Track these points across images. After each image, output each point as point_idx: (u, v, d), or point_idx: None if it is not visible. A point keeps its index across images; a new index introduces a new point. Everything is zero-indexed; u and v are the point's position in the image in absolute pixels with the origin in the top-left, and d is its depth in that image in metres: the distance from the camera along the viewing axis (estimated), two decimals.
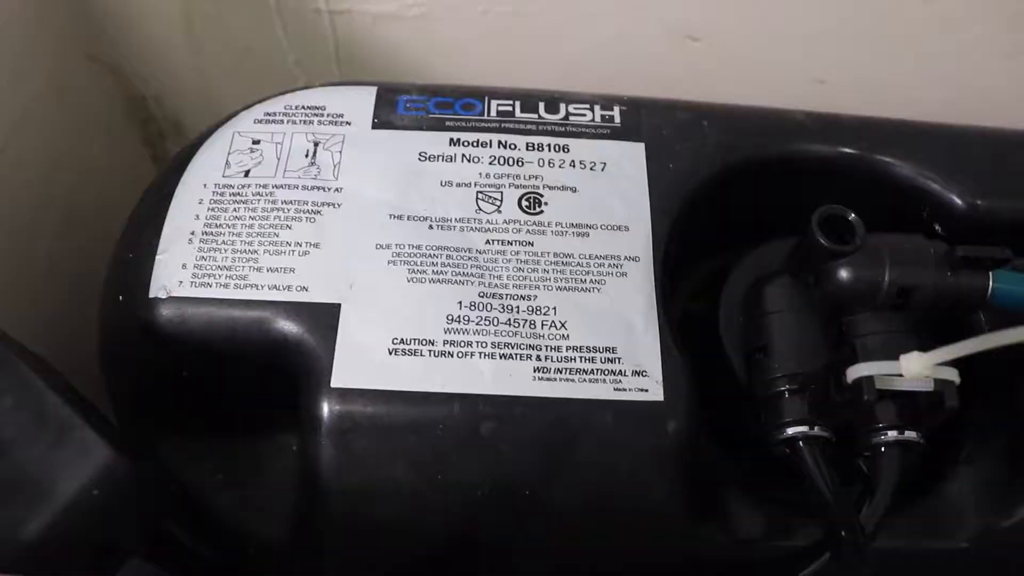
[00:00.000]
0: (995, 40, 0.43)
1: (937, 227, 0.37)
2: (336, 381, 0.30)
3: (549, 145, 0.34)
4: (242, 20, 0.41)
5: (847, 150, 0.37)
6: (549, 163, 0.34)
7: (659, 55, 0.43)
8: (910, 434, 0.33)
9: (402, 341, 0.30)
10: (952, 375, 0.31)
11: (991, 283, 0.34)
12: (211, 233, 0.32)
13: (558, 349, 0.30)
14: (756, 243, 0.37)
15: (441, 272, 0.31)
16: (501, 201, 0.33)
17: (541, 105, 0.36)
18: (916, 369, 0.30)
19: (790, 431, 0.32)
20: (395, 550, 0.32)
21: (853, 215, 0.34)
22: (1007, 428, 0.34)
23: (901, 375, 0.30)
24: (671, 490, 0.31)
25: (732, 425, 0.35)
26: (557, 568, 0.32)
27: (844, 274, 0.33)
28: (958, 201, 0.36)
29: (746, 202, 0.37)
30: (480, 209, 0.33)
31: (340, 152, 0.34)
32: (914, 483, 0.35)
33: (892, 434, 0.32)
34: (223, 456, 0.34)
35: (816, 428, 0.32)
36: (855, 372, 0.31)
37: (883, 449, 0.33)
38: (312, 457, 0.30)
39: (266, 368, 0.31)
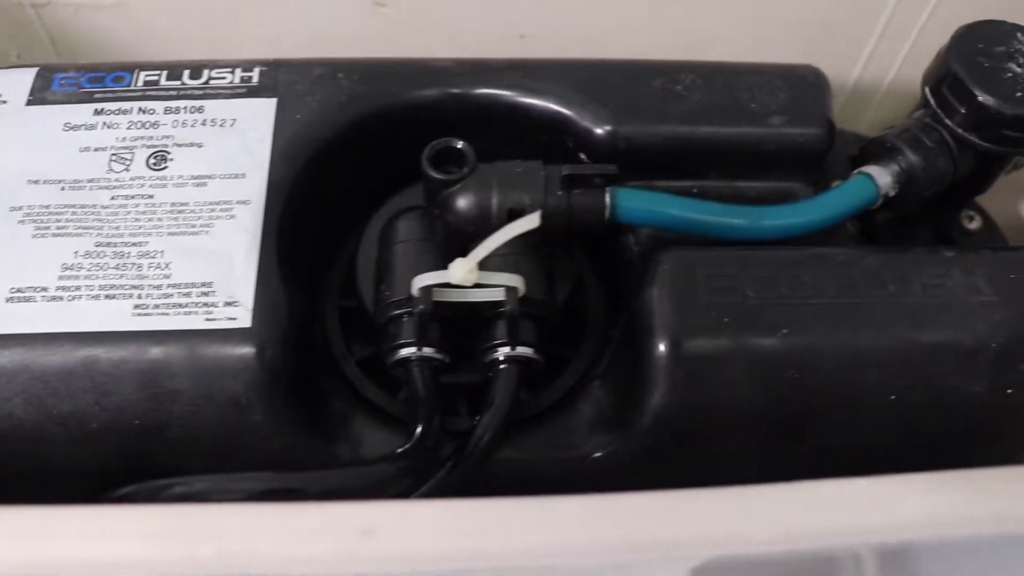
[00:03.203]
0: None
1: (583, 156, 0.39)
2: None
3: (185, 108, 0.37)
4: None
5: (488, 90, 0.39)
6: (182, 124, 0.37)
7: (358, 23, 0.45)
8: (523, 350, 0.34)
9: (19, 290, 0.33)
10: (516, 282, 0.33)
11: (608, 200, 0.36)
12: None
13: (159, 287, 0.33)
14: None
15: (64, 227, 0.34)
16: (131, 161, 0.36)
17: (186, 73, 0.38)
18: (459, 274, 0.32)
19: (401, 352, 0.34)
20: (48, 488, 0.34)
21: (462, 144, 0.35)
22: (627, 343, 0.35)
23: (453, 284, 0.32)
24: (271, 412, 0.33)
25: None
26: None
27: (457, 202, 0.35)
28: (596, 129, 0.38)
29: (398, 149, 0.39)
30: (111, 170, 0.36)
31: None
32: (560, 400, 0.37)
33: (503, 351, 0.34)
34: None
35: (426, 349, 0.34)
36: (416, 283, 0.33)
37: (501, 367, 0.34)
38: None
39: None
